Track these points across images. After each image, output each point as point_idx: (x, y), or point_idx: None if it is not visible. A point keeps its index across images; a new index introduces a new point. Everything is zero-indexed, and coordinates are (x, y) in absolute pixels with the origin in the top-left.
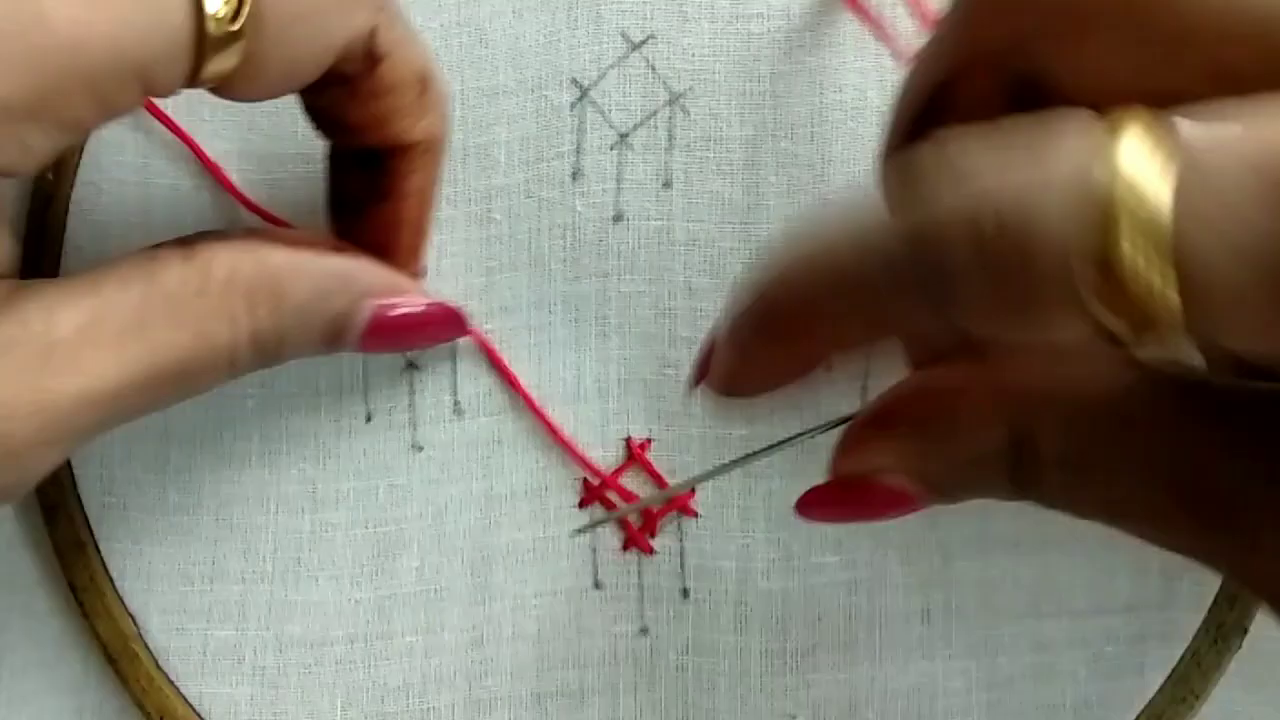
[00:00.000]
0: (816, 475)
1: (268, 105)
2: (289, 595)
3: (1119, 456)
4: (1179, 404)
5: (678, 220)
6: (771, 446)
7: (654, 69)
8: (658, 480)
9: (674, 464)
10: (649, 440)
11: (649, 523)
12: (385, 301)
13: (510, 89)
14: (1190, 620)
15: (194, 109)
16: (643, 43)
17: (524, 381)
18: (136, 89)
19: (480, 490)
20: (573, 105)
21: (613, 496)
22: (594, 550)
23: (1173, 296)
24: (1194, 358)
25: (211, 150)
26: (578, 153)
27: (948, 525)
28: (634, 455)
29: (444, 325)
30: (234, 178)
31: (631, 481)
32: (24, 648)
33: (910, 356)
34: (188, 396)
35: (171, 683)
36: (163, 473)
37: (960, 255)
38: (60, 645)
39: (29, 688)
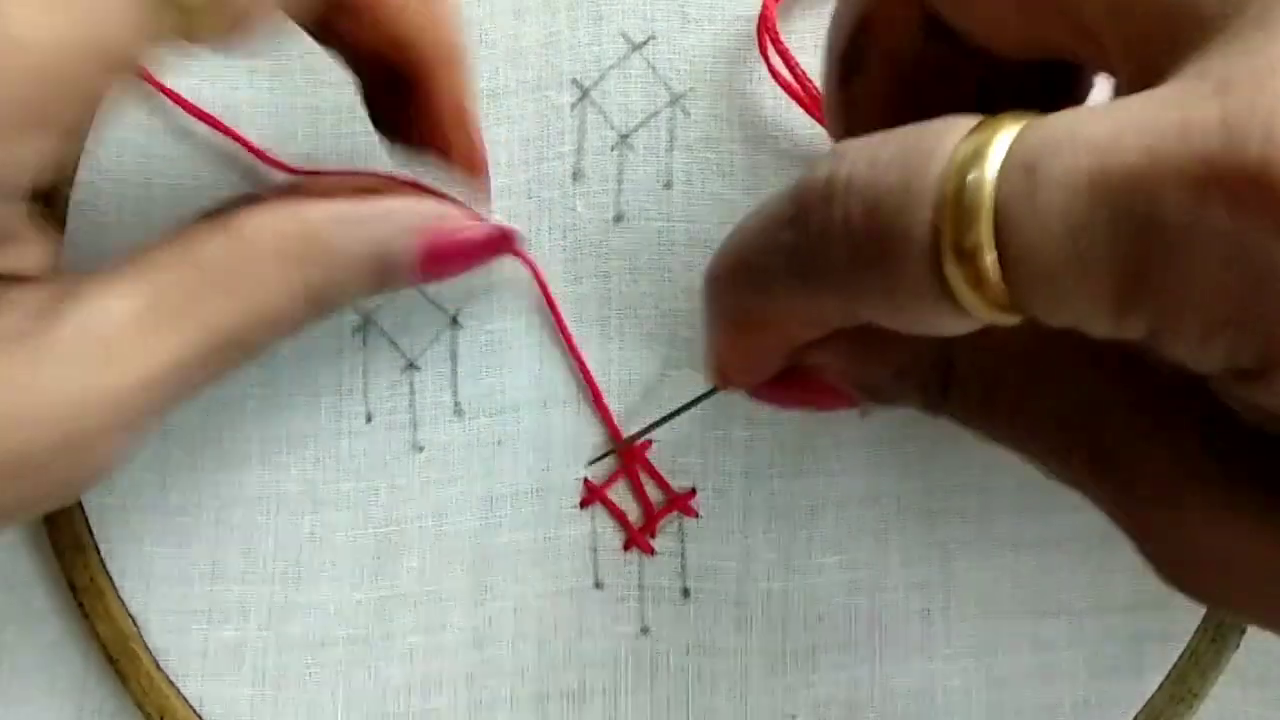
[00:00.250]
0: (816, 477)
1: (273, 64)
2: (290, 596)
3: (1027, 393)
4: (1084, 355)
5: (678, 221)
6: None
7: (655, 70)
8: (658, 481)
9: (675, 465)
10: (649, 440)
11: (650, 523)
12: (432, 232)
13: (511, 89)
14: (1188, 620)
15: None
16: (643, 43)
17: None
18: (115, 71)
19: (481, 491)
20: (573, 106)
21: (615, 497)
22: (595, 551)
23: (994, 271)
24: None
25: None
26: (578, 153)
27: (947, 526)
28: (634, 455)
29: (493, 246)
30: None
31: (630, 486)
32: (24, 648)
33: None
34: (255, 359)
35: (172, 683)
36: (163, 473)
37: (834, 228)
38: (60, 646)
39: (29, 688)
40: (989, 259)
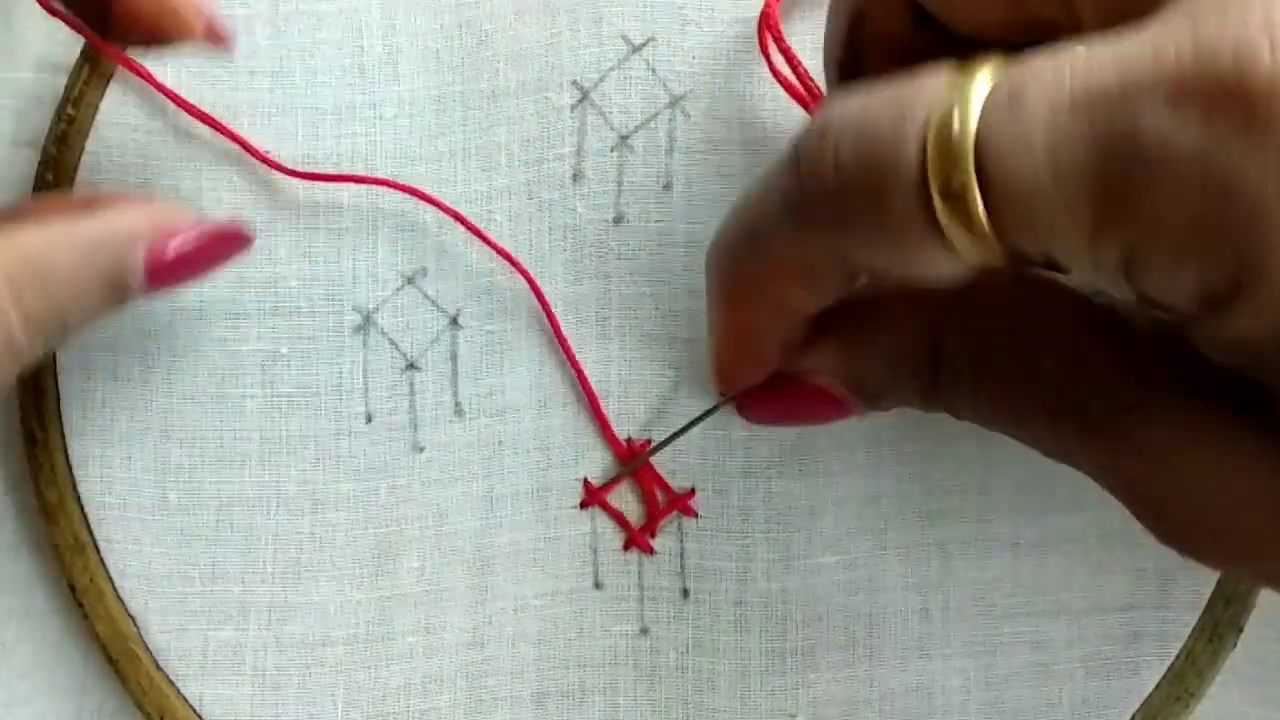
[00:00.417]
0: (815, 477)
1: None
2: (289, 596)
3: (1014, 364)
4: (1067, 322)
5: (678, 222)
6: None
7: (654, 71)
8: (658, 481)
9: (674, 465)
10: (649, 441)
11: (650, 523)
12: (154, 245)
13: (511, 91)
14: (1185, 620)
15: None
16: (643, 45)
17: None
18: None
19: (481, 491)
20: (574, 107)
21: (614, 496)
22: (594, 551)
23: (977, 198)
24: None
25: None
26: (579, 155)
27: (946, 526)
28: (634, 456)
29: (225, 246)
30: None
31: (630, 484)
32: (24, 648)
33: None
34: None
35: (172, 683)
36: (163, 473)
37: (823, 170)
38: (60, 646)
39: (29, 688)
40: (973, 188)
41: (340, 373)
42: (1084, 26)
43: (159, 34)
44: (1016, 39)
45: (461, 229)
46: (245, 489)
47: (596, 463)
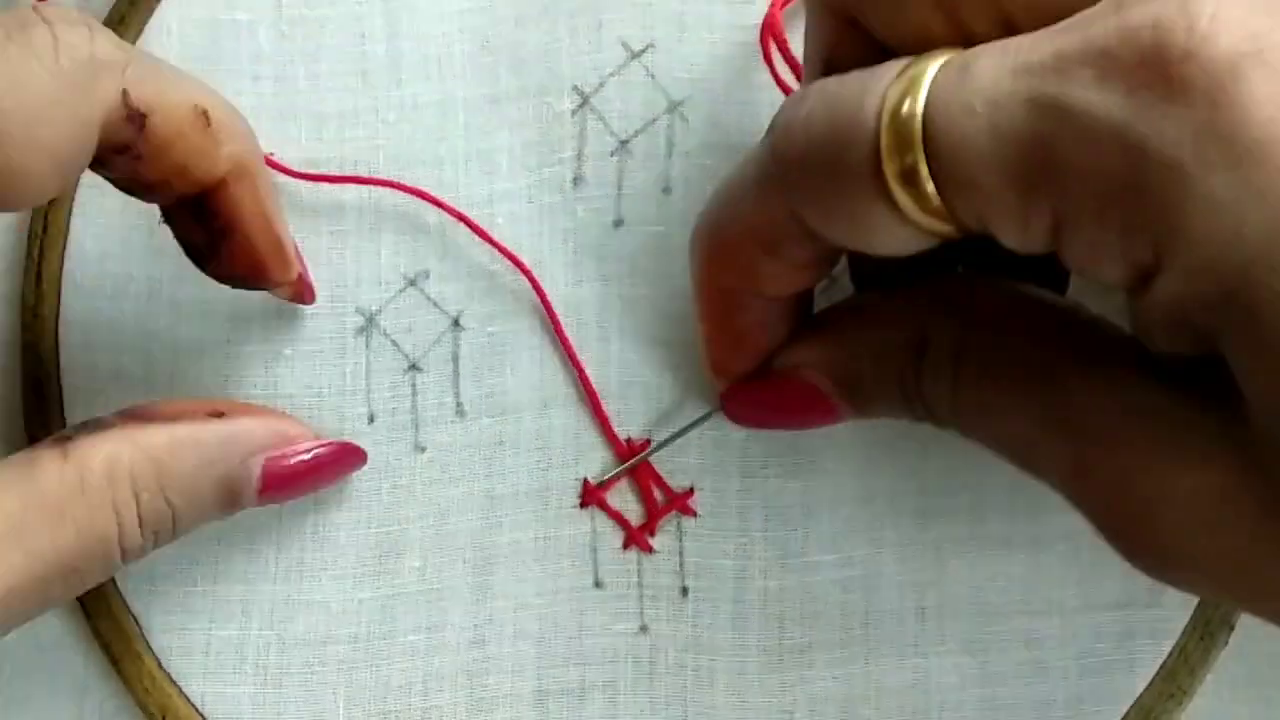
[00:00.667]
0: (812, 477)
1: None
2: (292, 595)
3: (995, 361)
4: (1048, 325)
5: (677, 226)
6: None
7: (654, 77)
8: (657, 481)
9: (673, 465)
10: (648, 441)
11: (649, 522)
12: (274, 455)
13: (512, 96)
14: (1178, 617)
15: None
16: (642, 51)
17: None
18: None
19: (482, 491)
20: (574, 112)
21: (614, 495)
22: (594, 550)
23: (923, 167)
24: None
25: None
26: (579, 159)
27: (941, 525)
28: (633, 455)
29: (338, 463)
30: None
31: (629, 484)
32: (25, 648)
33: None
34: (84, 589)
35: (174, 682)
36: None
37: (792, 137)
38: (62, 645)
39: (30, 688)
40: (920, 156)
41: (343, 374)
42: None
43: (261, 277)
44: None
45: (464, 231)
46: None
47: (597, 463)
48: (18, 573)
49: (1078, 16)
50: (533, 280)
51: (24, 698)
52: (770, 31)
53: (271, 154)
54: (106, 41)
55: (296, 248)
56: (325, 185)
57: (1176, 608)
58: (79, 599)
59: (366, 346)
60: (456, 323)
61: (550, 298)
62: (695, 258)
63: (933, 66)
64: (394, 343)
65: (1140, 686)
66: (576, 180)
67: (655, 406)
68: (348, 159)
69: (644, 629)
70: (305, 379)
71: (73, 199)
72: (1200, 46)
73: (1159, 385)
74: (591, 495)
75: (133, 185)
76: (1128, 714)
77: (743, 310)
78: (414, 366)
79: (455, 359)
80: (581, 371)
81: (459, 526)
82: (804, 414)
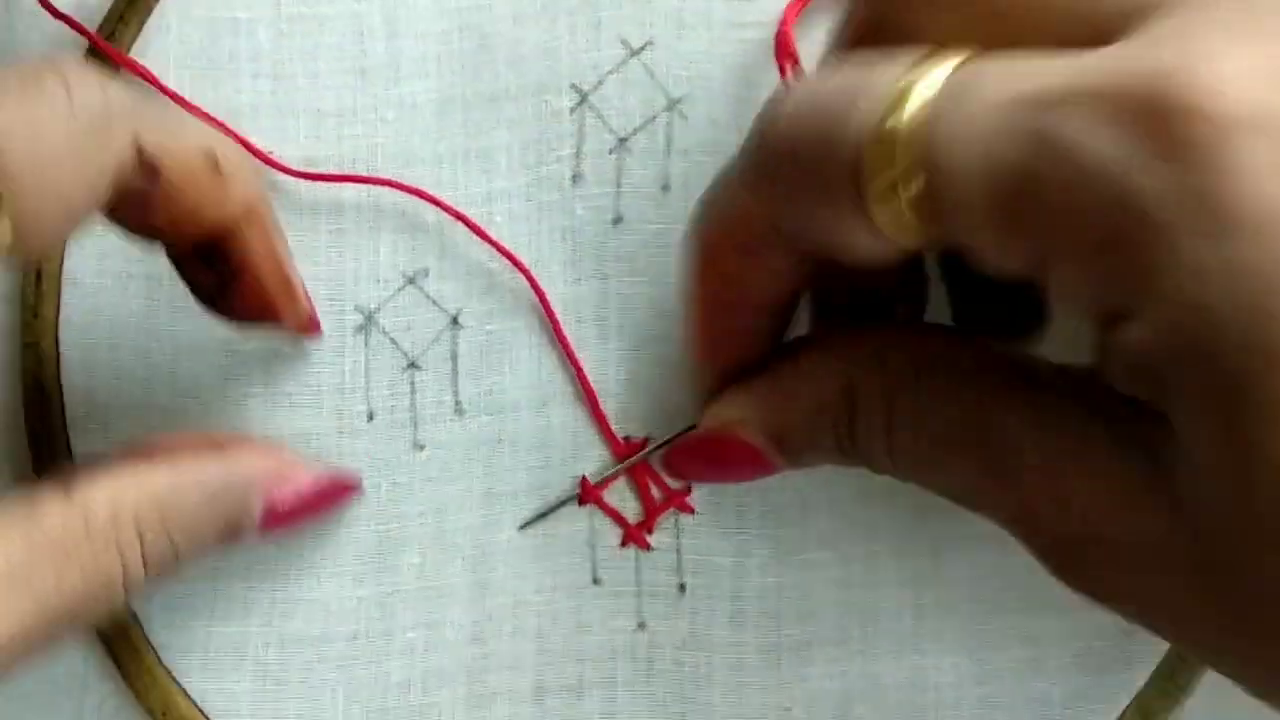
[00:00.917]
0: (809, 473)
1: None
2: (291, 592)
3: (924, 407)
4: (980, 365)
5: (676, 223)
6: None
7: (652, 75)
8: (655, 479)
9: None
10: (646, 439)
11: (647, 520)
12: (275, 491)
13: (511, 94)
14: None
15: None
16: (641, 49)
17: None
18: None
19: (480, 489)
20: (573, 110)
21: (611, 493)
22: (593, 547)
23: (905, 193)
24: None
25: None
26: (577, 157)
27: (939, 522)
28: (631, 454)
29: (336, 495)
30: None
31: (627, 482)
32: None
33: None
34: (89, 626)
35: (174, 679)
36: None
37: (776, 134)
38: (61, 643)
39: (29, 686)
40: (902, 176)
41: (342, 372)
42: None
43: (271, 316)
44: None
45: (462, 230)
46: None
47: (595, 461)
48: (25, 616)
49: (1089, 55)
50: (531, 279)
51: (24, 694)
52: (783, 51)
53: (270, 152)
54: (118, 90)
55: (301, 283)
56: (324, 184)
57: None
58: None
59: (365, 344)
60: (455, 321)
61: (549, 296)
62: (683, 257)
63: (927, 80)
64: (393, 341)
65: (1139, 683)
66: (575, 178)
67: (653, 405)
68: (346, 157)
69: (642, 626)
70: (304, 377)
71: None
72: (1203, 103)
73: (1096, 430)
74: (590, 493)
75: (143, 230)
76: (1125, 711)
77: (725, 313)
78: (413, 365)
79: (454, 357)
80: (580, 370)
81: (458, 524)
82: (740, 468)
